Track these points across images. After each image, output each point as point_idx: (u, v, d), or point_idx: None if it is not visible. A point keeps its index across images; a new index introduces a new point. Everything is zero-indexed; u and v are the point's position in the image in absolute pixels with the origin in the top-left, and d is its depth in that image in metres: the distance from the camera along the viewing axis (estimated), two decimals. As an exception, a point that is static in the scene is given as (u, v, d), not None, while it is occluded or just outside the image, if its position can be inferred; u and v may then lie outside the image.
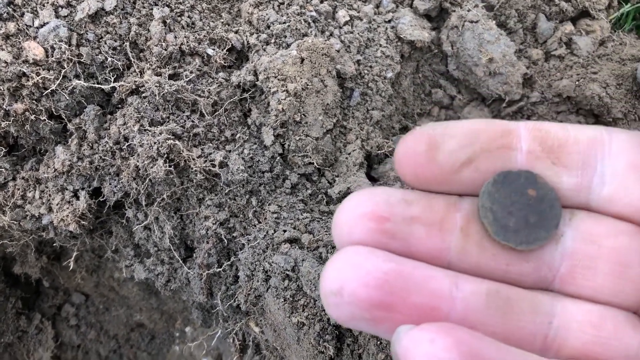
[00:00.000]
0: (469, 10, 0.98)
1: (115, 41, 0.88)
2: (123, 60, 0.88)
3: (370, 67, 0.95)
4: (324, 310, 0.73)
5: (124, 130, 0.86)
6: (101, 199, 0.91)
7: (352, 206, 0.44)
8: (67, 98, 0.86)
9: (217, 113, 0.87)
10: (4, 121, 0.85)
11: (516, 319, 0.42)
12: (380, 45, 0.96)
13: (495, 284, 0.43)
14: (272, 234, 0.82)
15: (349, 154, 0.91)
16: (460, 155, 0.43)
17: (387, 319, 0.41)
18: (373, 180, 0.93)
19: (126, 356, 1.34)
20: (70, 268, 1.24)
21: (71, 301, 1.34)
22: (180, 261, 0.92)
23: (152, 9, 0.90)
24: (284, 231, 0.81)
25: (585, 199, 0.44)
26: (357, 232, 0.43)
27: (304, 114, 0.86)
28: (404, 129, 1.02)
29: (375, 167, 0.95)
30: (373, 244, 0.43)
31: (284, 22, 0.92)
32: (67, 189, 0.90)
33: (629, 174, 0.43)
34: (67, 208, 0.89)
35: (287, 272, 0.77)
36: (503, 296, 0.42)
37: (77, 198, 0.90)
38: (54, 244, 1.16)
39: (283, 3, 0.95)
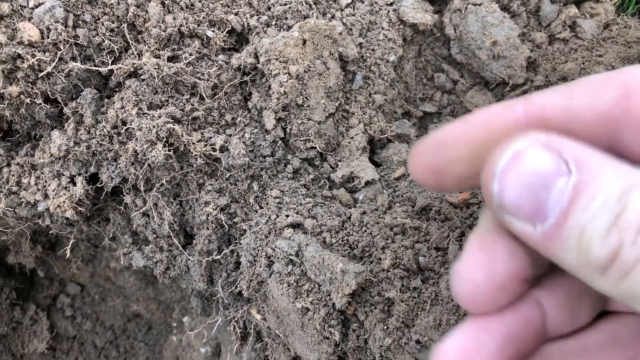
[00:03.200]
0: (472, -7, 0.96)
1: (113, 22, 0.86)
2: (121, 42, 0.86)
3: (373, 50, 0.94)
4: (329, 295, 0.72)
5: (122, 114, 0.84)
6: (98, 185, 0.89)
7: (482, 278, 0.41)
8: (64, 81, 0.84)
9: (217, 96, 0.85)
10: (-2, 104, 0.83)
11: (589, 308, 0.44)
12: (383, 28, 0.95)
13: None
14: (275, 219, 0.81)
15: (352, 138, 0.90)
16: (467, 175, 0.42)
17: None
18: (376, 165, 0.91)
19: (123, 347, 1.33)
20: (67, 257, 1.22)
21: (66, 291, 1.32)
22: (180, 248, 0.90)
23: (149, -10, 0.87)
24: (287, 216, 0.80)
25: None
26: (504, 300, 0.41)
27: (306, 97, 0.85)
28: (406, 114, 1.00)
29: (377, 152, 0.94)
30: (517, 298, 0.42)
31: (285, 4, 0.90)
32: (63, 175, 0.88)
33: None
34: (64, 194, 0.87)
35: (291, 257, 0.75)
36: (578, 295, 0.43)
37: (74, 184, 0.88)
38: (49, 233, 1.14)
39: (283, -15, 0.93)
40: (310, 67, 0.84)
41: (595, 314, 0.44)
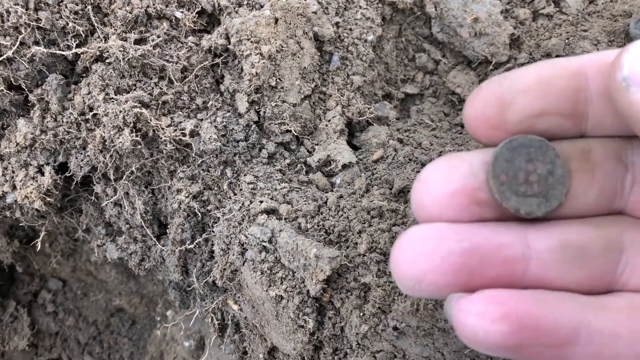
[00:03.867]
0: (452, -31, 0.93)
1: (77, 4, 0.82)
2: (86, 25, 0.83)
3: (350, 29, 0.90)
4: (303, 282, 0.69)
5: (89, 100, 0.81)
6: (68, 175, 0.85)
7: (437, 183, 0.43)
8: (27, 66, 0.81)
9: (187, 79, 0.82)
10: (-42, 92, 0.80)
11: (590, 266, 0.43)
12: (360, 7, 0.91)
13: (564, 233, 0.43)
14: (248, 205, 0.77)
15: (329, 121, 0.87)
16: (533, 110, 0.43)
17: (466, 291, 0.42)
18: (355, 148, 0.88)
19: (106, 342, 1.30)
20: (46, 252, 1.19)
21: (47, 287, 1.29)
22: (154, 238, 0.87)
23: (115, -29, 0.84)
24: (261, 202, 0.77)
25: None
26: (450, 211, 0.43)
27: (279, 78, 0.82)
28: (387, 96, 0.97)
29: (357, 135, 0.90)
30: (468, 218, 0.43)
31: (257, -17, 0.87)
32: (30, 165, 0.85)
33: None
34: (31, 184, 0.84)
35: (264, 244, 0.72)
36: (575, 245, 0.43)
37: (42, 174, 0.85)
38: (25, 227, 1.11)
39: (256, -37, 0.90)
40: (282, 46, 0.80)
41: (598, 286, 0.43)
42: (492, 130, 0.44)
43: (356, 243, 0.70)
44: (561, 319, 0.40)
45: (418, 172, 0.76)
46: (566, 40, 0.88)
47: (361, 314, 0.66)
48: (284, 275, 0.70)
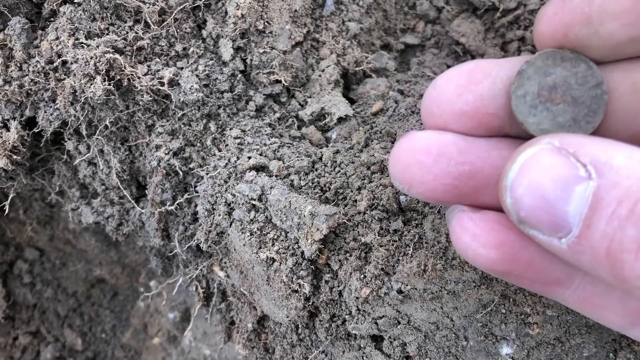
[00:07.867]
0: None
1: (41, -61, 0.74)
2: (51, -37, 0.74)
3: (345, -29, 0.82)
4: (297, 243, 0.62)
5: (57, 46, 0.72)
6: (37, 130, 0.78)
7: (449, 97, 0.41)
8: (-15, 8, 0.72)
9: (165, 23, 0.74)
10: None
11: None
12: (356, -54, 0.83)
13: None
14: (235, 161, 0.70)
15: (323, 70, 0.79)
16: (622, 36, 0.38)
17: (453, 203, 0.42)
18: (351, 102, 0.81)
19: (87, 315, 1.23)
20: (13, 216, 1.11)
21: (24, 257, 1.22)
22: (132, 200, 0.80)
23: None
24: (249, 158, 0.70)
25: None
26: (456, 129, 0.41)
27: (267, 22, 0.74)
28: (386, 47, 0.90)
29: (353, 88, 0.83)
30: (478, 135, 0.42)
31: None
32: (-6, 119, 0.77)
33: None
34: (-5, 141, 0.76)
35: (253, 202, 0.65)
36: None
37: (7, 129, 0.77)
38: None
39: None
40: (271, -15, 0.73)
41: None
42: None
43: (355, 200, 0.63)
44: (558, 262, 0.39)
45: (422, 124, 0.69)
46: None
47: (362, 276, 0.59)
48: (275, 236, 0.64)
